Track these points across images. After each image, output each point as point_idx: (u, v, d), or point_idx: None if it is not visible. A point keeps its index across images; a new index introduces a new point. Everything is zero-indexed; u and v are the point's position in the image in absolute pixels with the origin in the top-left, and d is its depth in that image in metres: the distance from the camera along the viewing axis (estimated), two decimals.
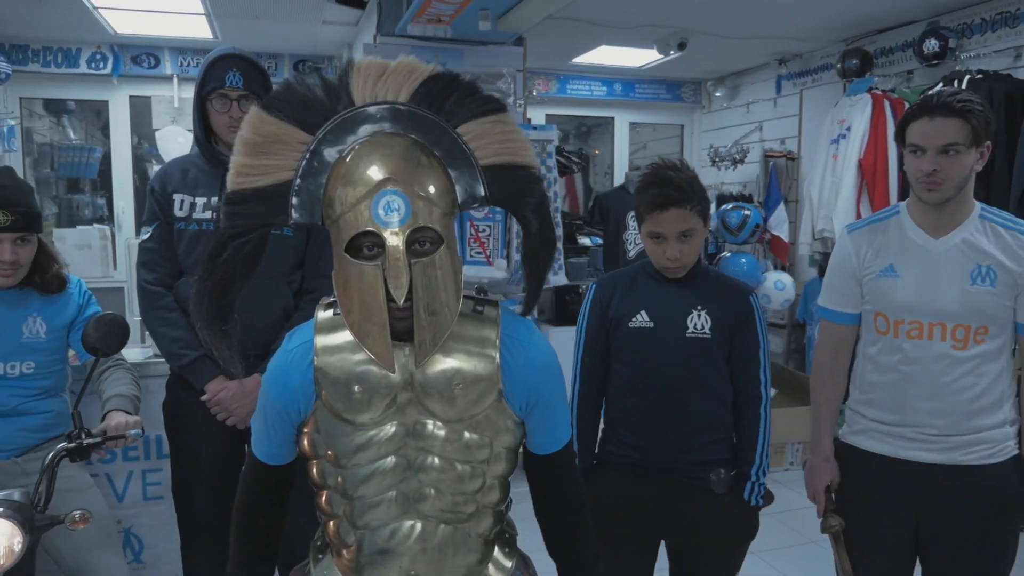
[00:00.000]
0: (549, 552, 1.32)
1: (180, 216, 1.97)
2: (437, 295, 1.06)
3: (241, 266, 1.09)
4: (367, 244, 1.05)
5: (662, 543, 1.85)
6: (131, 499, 2.49)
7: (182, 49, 4.88)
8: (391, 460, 1.14)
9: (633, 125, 6.22)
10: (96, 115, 5.77)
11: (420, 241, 1.05)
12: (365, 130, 1.07)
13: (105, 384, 1.94)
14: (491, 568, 1.22)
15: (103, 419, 1.81)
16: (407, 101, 1.09)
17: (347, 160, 1.06)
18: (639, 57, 5.12)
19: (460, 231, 3.61)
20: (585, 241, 5.17)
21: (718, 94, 5.78)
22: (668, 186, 1.68)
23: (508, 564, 1.25)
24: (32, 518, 1.58)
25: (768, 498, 1.78)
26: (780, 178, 4.85)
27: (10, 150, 4.63)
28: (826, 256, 4.39)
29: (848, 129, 4.05)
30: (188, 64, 4.91)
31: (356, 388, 1.11)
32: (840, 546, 1.77)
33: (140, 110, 5.04)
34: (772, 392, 3.17)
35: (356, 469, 1.14)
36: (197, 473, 2.00)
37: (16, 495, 1.59)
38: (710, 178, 5.74)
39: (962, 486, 1.68)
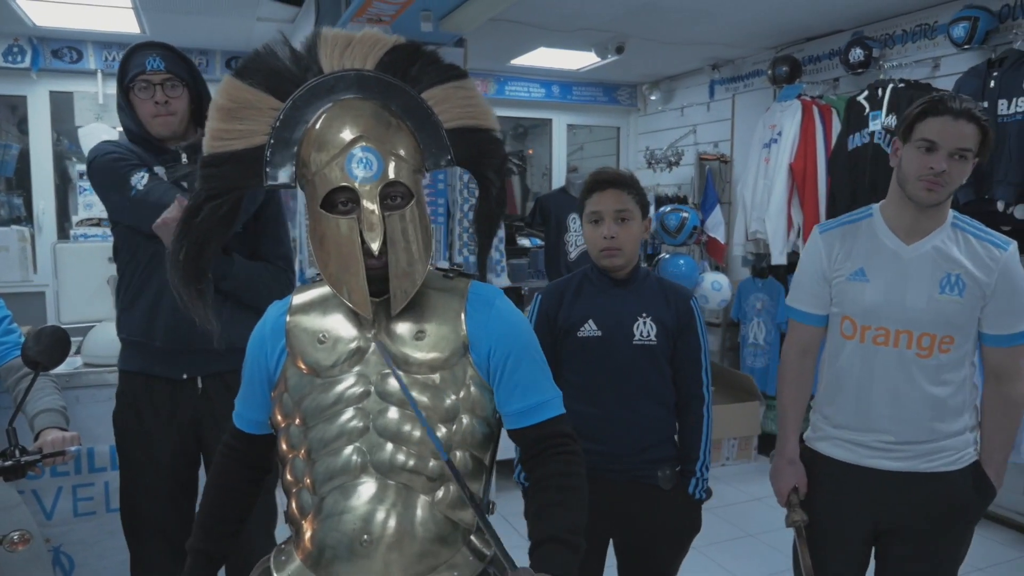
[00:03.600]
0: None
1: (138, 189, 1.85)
2: (409, 247, 1.12)
3: (217, 226, 1.15)
4: (342, 200, 1.10)
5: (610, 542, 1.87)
6: (60, 516, 2.37)
7: (107, 44, 4.67)
8: (353, 413, 1.14)
9: (570, 127, 6.28)
10: (11, 110, 5.47)
11: (392, 196, 1.11)
12: (335, 96, 1.13)
13: (29, 396, 1.83)
14: (463, 552, 1.16)
15: (36, 437, 1.73)
16: (374, 68, 1.15)
17: (319, 123, 1.12)
18: (577, 60, 5.16)
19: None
20: (524, 243, 5.17)
21: (653, 97, 5.89)
22: (607, 172, 1.83)
23: (485, 552, 1.19)
24: None
25: (706, 493, 1.84)
26: (715, 181, 4.97)
27: None
28: (758, 257, 4.53)
29: (779, 134, 4.18)
30: (113, 59, 4.70)
31: (321, 335, 1.17)
32: (802, 540, 1.80)
33: (61, 106, 4.81)
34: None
35: (321, 427, 1.15)
36: (152, 485, 1.93)
37: None
38: (646, 180, 5.83)
39: (922, 492, 1.69)
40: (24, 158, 4.89)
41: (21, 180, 5.00)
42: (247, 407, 1.28)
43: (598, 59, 4.88)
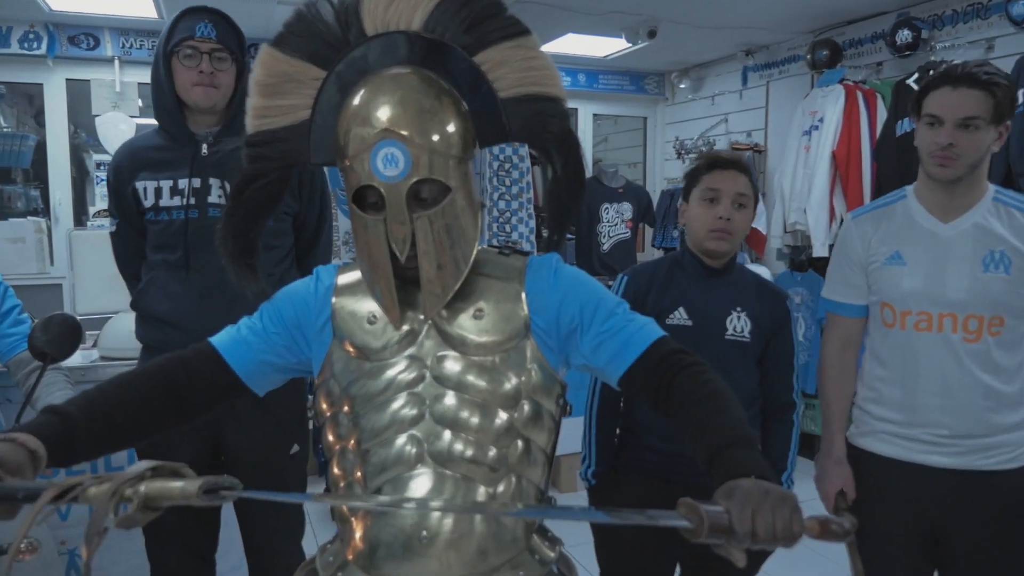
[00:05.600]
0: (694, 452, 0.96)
1: (147, 207, 1.76)
2: (443, 248, 1.02)
3: (264, 203, 1.10)
4: (371, 197, 1.02)
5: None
6: (76, 517, 2.24)
7: (124, 30, 4.56)
8: (406, 400, 1.05)
9: (596, 117, 6.12)
10: (28, 100, 5.39)
11: (423, 193, 1.01)
12: (374, 65, 1.03)
13: (38, 392, 1.71)
14: (526, 552, 1.06)
15: None
16: (423, 24, 1.03)
17: (354, 103, 1.01)
18: (606, 46, 5.02)
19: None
20: None
21: (682, 86, 5.72)
22: (727, 152, 1.75)
23: (550, 554, 1.09)
24: None
25: None
26: (755, 170, 4.81)
27: None
28: (795, 249, 4.36)
29: (820, 120, 4.00)
30: (131, 46, 4.60)
31: (371, 315, 1.09)
32: (853, 547, 1.65)
33: (78, 95, 4.71)
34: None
35: (371, 414, 1.06)
36: None
37: None
38: (675, 171, 5.68)
39: (980, 492, 1.57)
40: (40, 149, 4.80)
41: (38, 172, 4.91)
42: (239, 332, 1.12)
43: (628, 45, 4.73)
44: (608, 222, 4.45)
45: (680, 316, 1.67)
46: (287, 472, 1.86)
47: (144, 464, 0.79)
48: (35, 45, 4.42)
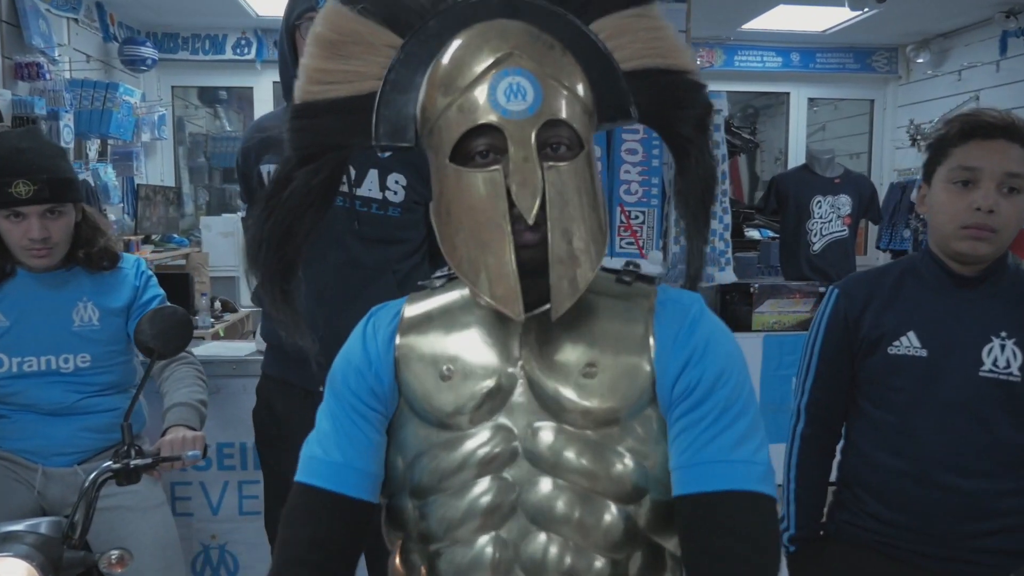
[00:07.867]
0: None
1: None
2: (576, 220, 0.77)
3: (310, 203, 0.84)
4: (481, 148, 0.77)
5: None
6: (226, 512, 2.22)
7: None
8: (488, 485, 0.82)
9: (812, 101, 5.47)
10: (250, 105, 5.82)
11: (555, 141, 0.77)
12: (472, 24, 0.82)
13: (168, 385, 1.66)
14: None
15: (164, 433, 1.52)
16: None
17: (448, 55, 0.79)
18: (824, 18, 4.45)
19: (609, 219, 3.14)
20: (753, 234, 4.57)
21: (920, 60, 4.98)
22: (992, 114, 1.25)
23: None
24: (59, 557, 1.29)
25: None
26: None
27: (160, 138, 4.67)
28: None
29: None
30: None
31: (446, 368, 0.84)
32: None
33: (282, 99, 4.97)
34: None
35: (442, 501, 0.83)
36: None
37: (44, 527, 1.31)
38: (909, 160, 5.01)
39: None
40: None
41: None
42: (335, 450, 0.86)
43: (852, 14, 4.16)
44: (821, 218, 3.87)
45: (910, 343, 1.26)
46: None
47: None
48: (246, 51, 4.73)
